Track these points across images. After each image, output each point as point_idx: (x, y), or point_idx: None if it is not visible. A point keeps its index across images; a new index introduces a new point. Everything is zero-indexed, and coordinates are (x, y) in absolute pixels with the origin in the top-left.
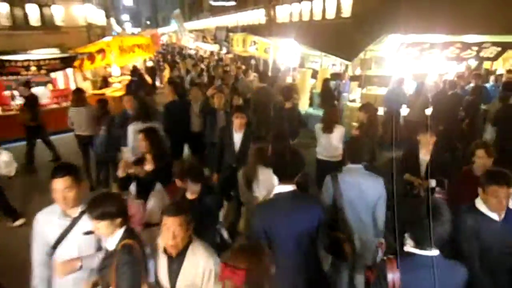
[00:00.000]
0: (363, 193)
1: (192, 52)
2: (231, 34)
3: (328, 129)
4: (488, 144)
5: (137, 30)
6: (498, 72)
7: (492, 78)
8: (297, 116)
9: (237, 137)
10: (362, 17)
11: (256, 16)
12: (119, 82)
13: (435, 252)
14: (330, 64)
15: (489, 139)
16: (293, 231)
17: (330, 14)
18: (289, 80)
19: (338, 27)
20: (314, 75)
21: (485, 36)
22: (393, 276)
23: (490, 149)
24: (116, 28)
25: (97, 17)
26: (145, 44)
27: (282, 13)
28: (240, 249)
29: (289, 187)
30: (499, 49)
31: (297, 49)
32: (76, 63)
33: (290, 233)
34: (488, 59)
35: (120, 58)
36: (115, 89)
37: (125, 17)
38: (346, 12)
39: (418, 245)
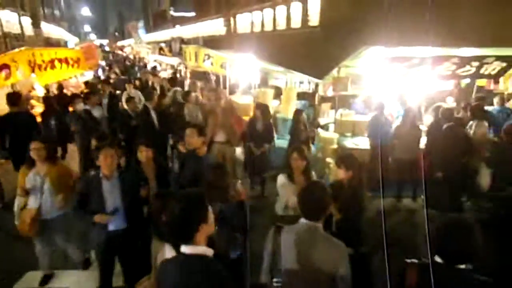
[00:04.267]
0: (312, 261)
1: (154, 64)
2: (184, 46)
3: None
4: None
5: (105, 41)
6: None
7: (496, 99)
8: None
9: None
10: (334, 25)
11: (216, 26)
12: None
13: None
14: (298, 81)
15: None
16: None
17: (296, 23)
18: (248, 100)
19: (305, 37)
20: (279, 94)
21: (487, 49)
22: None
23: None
24: (72, 39)
25: (15, 24)
26: (72, 58)
27: (243, 22)
28: None
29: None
30: (504, 64)
31: (258, 64)
32: None
33: None
34: (489, 76)
35: (40, 76)
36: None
37: (87, 27)
38: (314, 20)
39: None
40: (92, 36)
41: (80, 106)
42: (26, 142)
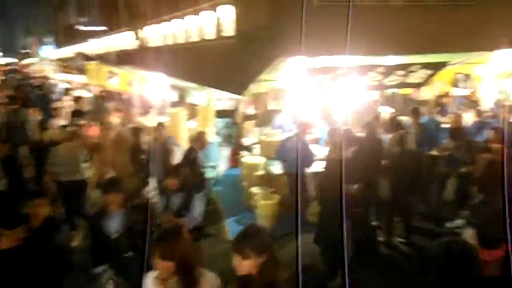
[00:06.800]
0: None
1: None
2: (86, 63)
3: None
4: None
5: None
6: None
7: (425, 109)
8: None
9: None
10: (250, 36)
11: (127, 40)
12: None
13: None
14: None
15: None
16: None
17: (210, 34)
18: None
19: (220, 50)
20: (195, 114)
21: (412, 57)
22: None
23: None
24: None
25: None
26: None
27: (153, 35)
28: None
29: None
30: (430, 72)
31: (170, 80)
32: None
33: None
34: (415, 85)
35: None
36: None
37: None
38: (229, 29)
39: None
40: None
41: None
42: None
